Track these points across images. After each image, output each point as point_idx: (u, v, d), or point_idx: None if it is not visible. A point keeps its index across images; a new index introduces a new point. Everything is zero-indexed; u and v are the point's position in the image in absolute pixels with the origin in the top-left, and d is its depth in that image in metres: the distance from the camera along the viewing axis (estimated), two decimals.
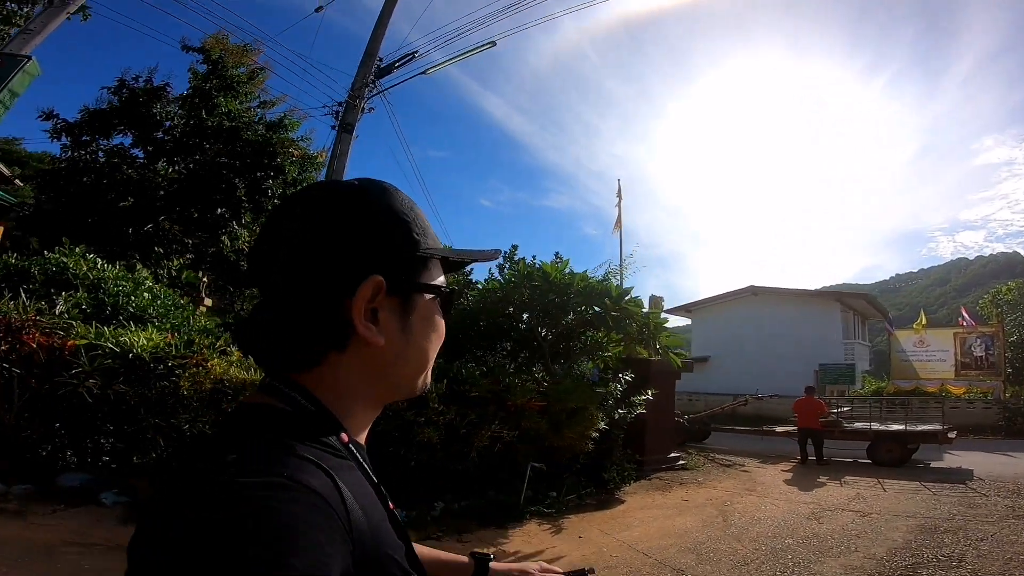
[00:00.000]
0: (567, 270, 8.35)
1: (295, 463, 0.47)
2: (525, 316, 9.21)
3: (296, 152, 12.93)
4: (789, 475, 9.92)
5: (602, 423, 7.75)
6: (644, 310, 8.20)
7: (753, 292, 23.80)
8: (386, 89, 11.10)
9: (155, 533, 0.44)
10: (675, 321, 27.25)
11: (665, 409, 10.59)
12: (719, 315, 25.13)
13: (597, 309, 8.36)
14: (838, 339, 21.76)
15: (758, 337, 23.30)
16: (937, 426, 11.43)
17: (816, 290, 22.64)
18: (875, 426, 11.81)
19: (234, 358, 6.08)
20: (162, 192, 12.50)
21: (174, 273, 13.03)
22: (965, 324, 19.74)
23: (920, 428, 11.42)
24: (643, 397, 8.70)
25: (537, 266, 8.50)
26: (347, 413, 0.60)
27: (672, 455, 10.59)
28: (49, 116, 12.57)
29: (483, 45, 10.26)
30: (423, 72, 10.71)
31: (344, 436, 0.58)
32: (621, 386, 8.70)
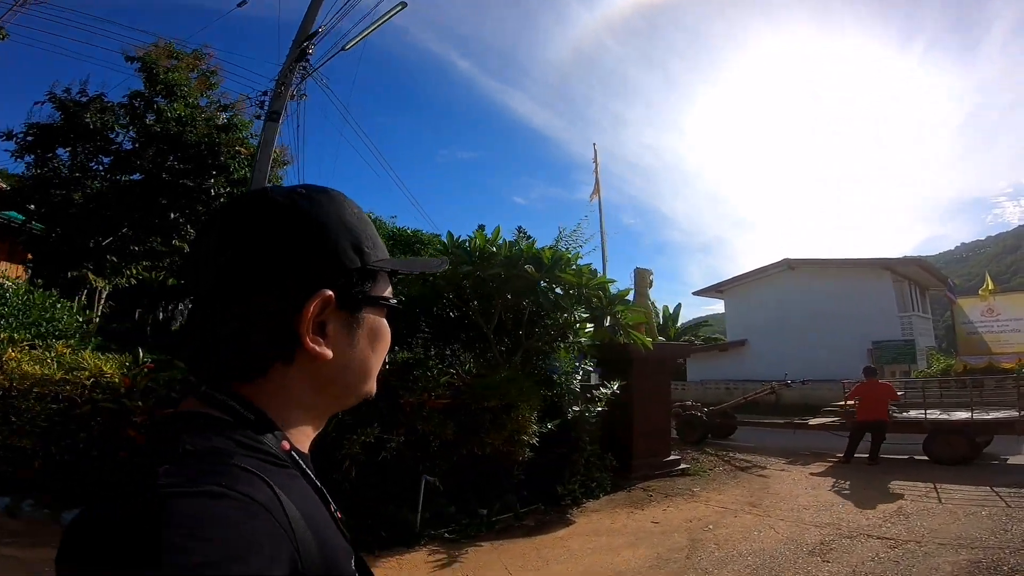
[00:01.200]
0: (500, 239, 6.67)
1: (233, 473, 0.45)
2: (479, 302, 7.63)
3: (244, 150, 11.88)
4: (817, 480, 7.84)
5: (545, 424, 6.06)
6: (596, 281, 6.39)
7: (789, 266, 21.00)
8: (316, 70, 9.82)
9: (81, 548, 0.41)
10: (711, 304, 24.67)
11: (657, 403, 8.72)
12: (754, 294, 22.45)
13: (552, 284, 6.63)
14: (892, 313, 18.75)
15: (799, 316, 20.59)
16: (1013, 412, 8.96)
17: (860, 259, 19.68)
18: (932, 415, 9.42)
19: (53, 355, 5.01)
20: (111, 201, 11.71)
21: (134, 282, 12.28)
22: None
23: (991, 416, 8.97)
24: (605, 391, 6.92)
25: (466, 239, 6.87)
26: (290, 422, 0.58)
27: (670, 458, 8.70)
28: (10, 136, 12.07)
29: (394, 8, 8.84)
30: (343, 48, 9.38)
31: (285, 444, 0.56)
32: (579, 378, 6.96)
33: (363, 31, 9.42)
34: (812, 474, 8.34)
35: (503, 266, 6.00)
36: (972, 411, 8.94)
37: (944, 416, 9.35)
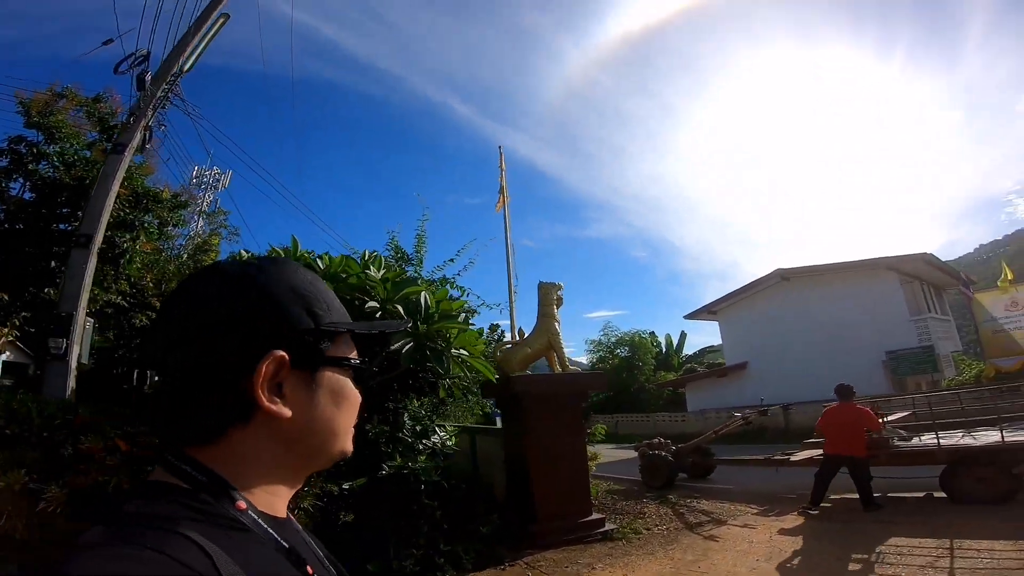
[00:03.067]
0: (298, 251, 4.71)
1: (162, 536, 0.44)
2: None
3: (123, 191, 10.49)
4: (781, 544, 5.39)
5: (339, 483, 3.90)
6: (408, 291, 4.32)
7: (783, 277, 18.37)
8: (164, 95, 8.38)
9: None
10: (706, 327, 22.05)
11: (566, 449, 6.41)
12: (748, 312, 19.77)
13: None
14: (904, 317, 15.86)
15: (800, 331, 17.86)
16: None
17: (858, 260, 16.92)
18: (948, 439, 6.86)
19: None
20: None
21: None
22: None
23: None
24: (433, 438, 4.74)
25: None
26: (254, 484, 0.57)
27: (590, 519, 6.31)
28: None
29: (216, 22, 7.51)
30: (182, 71, 8.04)
31: (241, 504, 0.54)
32: (408, 424, 4.81)
33: (197, 51, 8.04)
34: (781, 531, 5.85)
35: None
36: (1002, 429, 6.34)
37: (966, 440, 6.78)
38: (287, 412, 0.56)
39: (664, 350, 29.87)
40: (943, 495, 6.39)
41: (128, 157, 8.42)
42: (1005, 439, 6.13)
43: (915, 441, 7.21)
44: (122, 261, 10.60)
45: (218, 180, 26.63)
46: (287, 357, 0.56)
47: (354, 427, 0.66)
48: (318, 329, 0.59)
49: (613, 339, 27.69)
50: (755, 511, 7.05)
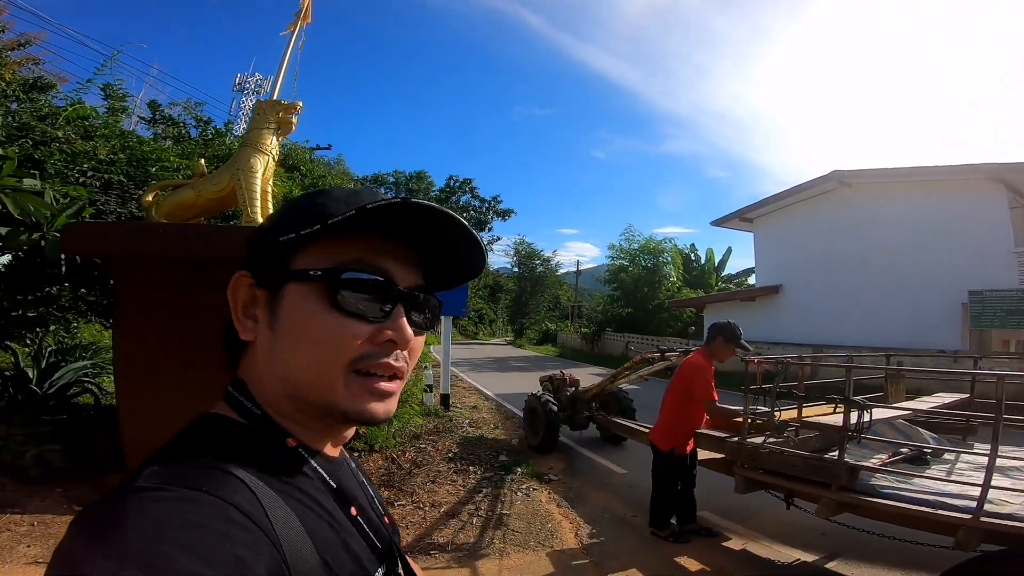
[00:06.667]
0: None
1: (215, 476, 0.41)
2: None
3: None
4: None
5: None
6: None
7: (841, 182, 12.90)
8: None
9: (63, 540, 0.37)
10: (742, 240, 17.10)
11: (186, 357, 3.34)
12: (792, 223, 14.63)
13: None
14: (1005, 247, 10.38)
15: (856, 254, 12.90)
16: None
17: (951, 166, 11.04)
18: (1002, 493, 2.93)
19: None
20: None
21: None
22: None
23: None
24: None
25: None
26: (285, 417, 0.50)
27: None
28: None
29: None
30: None
31: (292, 441, 0.49)
32: None
33: None
34: None
35: None
36: None
37: None
38: (250, 335, 0.50)
39: (703, 265, 25.05)
40: None
41: None
42: None
43: (933, 469, 3.35)
44: None
45: (260, 86, 25.94)
46: (248, 276, 0.50)
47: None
48: (277, 240, 0.49)
49: (635, 245, 23.05)
50: (574, 546, 3.78)
